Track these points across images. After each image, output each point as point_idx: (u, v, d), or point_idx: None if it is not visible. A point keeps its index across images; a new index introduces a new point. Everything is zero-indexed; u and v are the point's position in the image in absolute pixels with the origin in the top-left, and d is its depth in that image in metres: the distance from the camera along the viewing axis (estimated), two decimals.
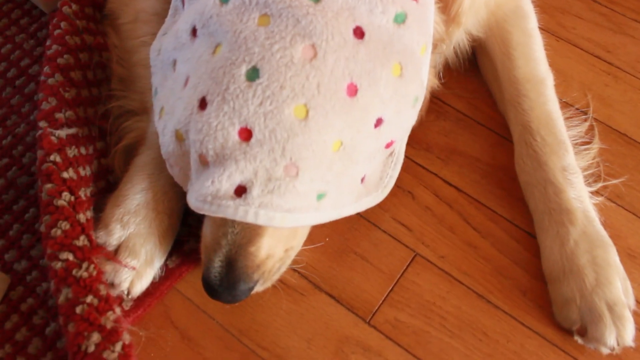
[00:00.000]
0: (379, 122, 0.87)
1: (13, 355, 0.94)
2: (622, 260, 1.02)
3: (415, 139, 1.17)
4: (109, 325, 0.88)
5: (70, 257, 0.91)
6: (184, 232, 1.05)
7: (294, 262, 1.00)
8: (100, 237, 0.97)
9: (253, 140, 0.81)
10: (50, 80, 1.07)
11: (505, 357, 0.98)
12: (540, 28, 1.25)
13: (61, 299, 0.89)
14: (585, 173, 1.11)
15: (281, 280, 1.00)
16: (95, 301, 0.89)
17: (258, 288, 0.95)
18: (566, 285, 1.00)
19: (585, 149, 1.15)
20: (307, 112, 0.81)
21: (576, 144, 1.14)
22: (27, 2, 1.35)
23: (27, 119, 1.18)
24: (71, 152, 1.01)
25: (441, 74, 1.21)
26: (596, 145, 1.17)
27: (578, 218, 1.04)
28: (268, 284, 0.98)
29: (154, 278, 1.00)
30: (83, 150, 1.03)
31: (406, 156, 1.07)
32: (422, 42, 0.91)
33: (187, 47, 0.88)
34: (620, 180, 1.15)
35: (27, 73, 1.25)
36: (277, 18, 0.81)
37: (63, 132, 1.01)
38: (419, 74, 0.92)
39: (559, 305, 1.00)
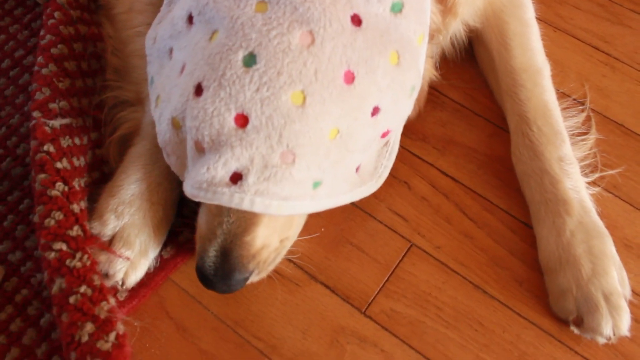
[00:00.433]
0: (375, 110, 0.86)
1: (8, 346, 0.94)
2: (618, 251, 1.02)
3: (412, 129, 1.16)
4: (102, 316, 0.87)
5: (64, 247, 0.90)
6: (179, 222, 1.05)
7: (290, 252, 1.00)
8: (95, 227, 0.97)
9: (249, 126, 0.80)
10: (44, 71, 1.06)
11: (501, 348, 0.98)
12: (537, 18, 1.24)
13: (54, 289, 0.89)
14: (582, 163, 1.11)
15: (276, 271, 1.00)
16: (89, 291, 0.88)
17: (253, 278, 0.95)
18: (562, 276, 1.00)
19: (582, 140, 1.14)
20: (305, 98, 0.80)
21: (573, 134, 1.14)
22: None
23: (22, 110, 1.18)
24: (65, 142, 1.00)
25: (438, 64, 1.20)
26: (593, 136, 1.16)
27: (574, 208, 1.03)
28: (263, 275, 0.98)
29: (149, 269, 1.00)
30: (77, 141, 1.03)
31: (402, 146, 1.07)
32: (419, 32, 0.91)
33: (183, 34, 0.88)
34: (617, 170, 1.14)
35: (21, 64, 1.24)
36: (274, 5, 0.81)
37: (57, 123, 1.01)
38: (416, 63, 0.91)
39: (556, 295, 1.00)
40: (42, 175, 0.95)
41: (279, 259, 0.98)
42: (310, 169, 0.83)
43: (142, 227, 0.98)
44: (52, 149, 0.97)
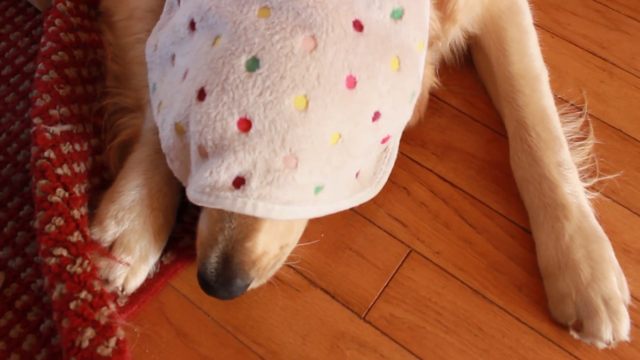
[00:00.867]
0: (376, 115, 0.87)
1: (7, 352, 0.94)
2: (617, 256, 1.02)
3: (411, 135, 1.17)
4: (103, 321, 0.87)
5: (64, 252, 0.91)
6: (179, 228, 1.05)
7: (290, 258, 1.00)
8: (95, 233, 0.97)
9: (252, 130, 0.81)
10: (45, 77, 1.07)
11: (501, 353, 0.98)
12: (535, 24, 1.25)
13: (55, 294, 0.89)
14: (581, 169, 1.11)
15: (276, 277, 1.00)
16: (89, 297, 0.89)
17: (253, 284, 0.95)
18: (562, 280, 1.00)
19: (580, 145, 1.15)
20: (307, 102, 0.80)
21: (571, 139, 1.14)
22: (22, 0, 1.35)
23: (22, 116, 1.18)
24: (65, 148, 1.00)
25: (438, 71, 1.21)
26: (591, 141, 1.17)
27: (573, 213, 1.04)
28: (263, 281, 0.98)
29: (149, 274, 1.00)
30: (77, 147, 1.03)
31: (401, 152, 1.07)
32: (419, 38, 0.92)
33: (185, 41, 0.88)
34: (615, 175, 1.15)
35: (22, 71, 1.25)
36: (277, 10, 0.81)
37: (57, 129, 1.01)
38: (416, 69, 0.92)
39: (555, 300, 1.00)
40: (43, 181, 0.95)
41: (279, 265, 0.98)
42: (312, 174, 0.83)
43: (143, 233, 0.99)
44: (52, 155, 0.98)
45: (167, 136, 0.89)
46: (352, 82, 0.83)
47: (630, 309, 0.98)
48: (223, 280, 0.90)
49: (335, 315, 1.01)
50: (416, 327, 1.00)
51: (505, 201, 1.12)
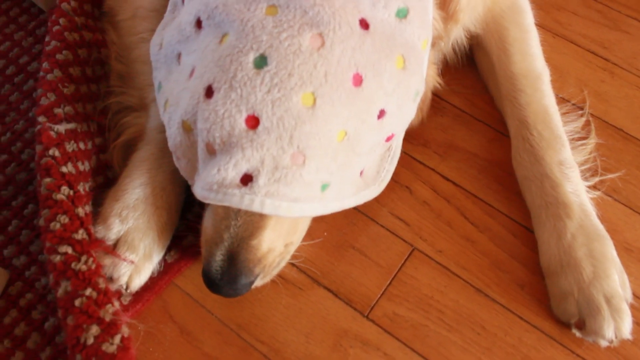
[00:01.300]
0: (381, 113, 0.87)
1: (12, 350, 0.94)
2: (619, 254, 1.03)
3: (413, 135, 1.17)
4: (107, 318, 0.88)
5: (69, 250, 0.91)
6: (183, 227, 1.05)
7: (293, 257, 1.01)
8: (99, 231, 0.97)
9: (260, 127, 0.81)
10: (49, 76, 1.07)
11: (503, 351, 0.99)
12: (536, 24, 1.25)
13: (60, 292, 0.89)
14: (582, 168, 1.12)
15: (280, 275, 1.01)
16: (94, 294, 0.89)
17: (257, 283, 0.96)
18: (564, 279, 1.00)
19: (582, 144, 1.15)
20: (315, 100, 0.81)
21: (573, 139, 1.14)
22: (26, 0, 1.35)
23: (26, 115, 1.19)
24: (70, 147, 1.01)
25: (440, 70, 1.21)
26: (592, 141, 1.17)
27: (575, 212, 1.04)
28: (267, 279, 0.98)
29: (153, 273, 1.00)
30: (82, 146, 1.04)
31: (404, 151, 1.07)
32: (424, 37, 0.92)
33: (192, 39, 0.88)
34: (616, 174, 1.15)
35: (26, 70, 1.25)
36: (284, 8, 0.82)
37: (62, 127, 1.01)
38: (420, 68, 0.92)
39: (557, 298, 1.01)
40: (48, 179, 0.96)
41: (283, 264, 0.99)
42: (319, 171, 0.84)
43: (147, 231, 0.99)
44: (57, 153, 0.98)
45: (173, 134, 0.89)
46: (358, 80, 0.83)
47: (632, 307, 0.99)
48: (228, 278, 0.90)
49: (339, 313, 1.01)
50: (419, 326, 1.00)
51: (507, 200, 1.13)
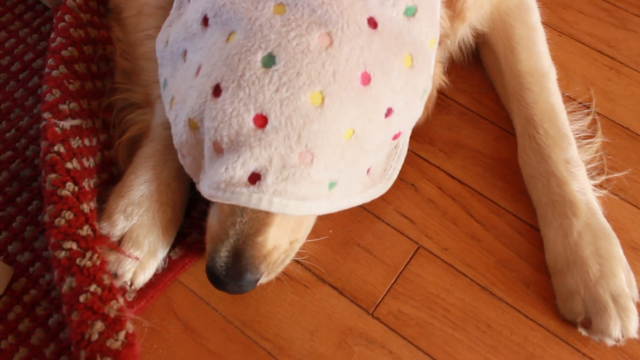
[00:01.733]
0: (389, 112, 0.87)
1: (16, 346, 0.94)
2: (625, 253, 1.02)
3: (419, 133, 1.17)
4: (112, 314, 0.87)
5: (74, 246, 0.91)
6: (187, 224, 1.05)
7: (298, 254, 1.01)
8: (104, 227, 0.97)
9: (268, 126, 0.81)
10: (55, 73, 1.07)
11: (509, 349, 0.98)
12: (542, 23, 1.25)
13: (65, 288, 0.89)
14: (588, 166, 1.11)
15: (285, 272, 1.00)
16: (99, 290, 0.89)
17: (262, 280, 0.95)
18: (570, 277, 1.00)
19: (588, 143, 1.15)
20: (323, 99, 0.81)
21: (579, 137, 1.14)
22: None
23: (31, 112, 1.19)
24: (75, 143, 1.01)
25: (446, 69, 1.21)
26: (599, 139, 1.17)
27: (581, 210, 1.04)
28: (272, 276, 0.98)
29: (157, 269, 1.00)
30: (87, 142, 1.04)
31: (410, 149, 1.07)
32: (431, 35, 0.92)
33: (198, 36, 0.88)
34: (623, 173, 1.15)
35: (31, 67, 1.25)
36: (292, 7, 0.82)
37: (67, 123, 1.01)
38: (428, 66, 0.92)
39: (563, 297, 1.00)
40: (53, 175, 0.96)
41: (288, 261, 0.99)
42: (327, 169, 0.84)
43: (151, 227, 0.99)
44: (62, 149, 0.98)
45: (179, 132, 0.89)
46: (366, 79, 0.83)
47: (638, 306, 0.98)
48: (233, 275, 0.90)
49: (344, 311, 1.01)
50: (424, 324, 1.00)
51: (513, 198, 1.12)
